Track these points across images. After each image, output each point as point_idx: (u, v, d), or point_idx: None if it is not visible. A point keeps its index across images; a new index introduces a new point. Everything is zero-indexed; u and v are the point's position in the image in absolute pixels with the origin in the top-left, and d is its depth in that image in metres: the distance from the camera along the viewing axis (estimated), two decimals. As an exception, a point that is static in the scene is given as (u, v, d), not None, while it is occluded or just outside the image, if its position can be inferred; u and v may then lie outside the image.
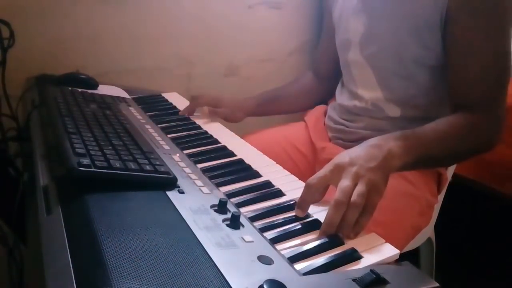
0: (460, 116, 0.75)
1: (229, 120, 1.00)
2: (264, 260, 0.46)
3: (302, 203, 0.57)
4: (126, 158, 0.61)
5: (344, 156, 0.61)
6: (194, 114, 0.98)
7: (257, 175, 0.68)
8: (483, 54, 0.74)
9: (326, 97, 1.10)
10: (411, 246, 0.87)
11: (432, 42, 0.78)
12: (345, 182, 0.56)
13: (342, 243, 0.52)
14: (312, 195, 0.58)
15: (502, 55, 0.75)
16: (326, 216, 0.54)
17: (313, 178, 0.59)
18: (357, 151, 0.61)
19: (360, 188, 0.55)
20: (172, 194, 0.57)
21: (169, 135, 0.82)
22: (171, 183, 0.60)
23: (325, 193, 0.61)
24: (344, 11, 0.93)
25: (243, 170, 0.70)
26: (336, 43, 0.97)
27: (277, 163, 0.74)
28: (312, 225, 0.55)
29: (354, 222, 0.54)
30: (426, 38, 0.78)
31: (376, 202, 0.56)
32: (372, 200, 0.56)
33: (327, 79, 1.08)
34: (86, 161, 0.56)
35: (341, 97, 0.97)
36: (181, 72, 1.31)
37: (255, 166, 0.71)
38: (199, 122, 0.92)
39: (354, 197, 0.55)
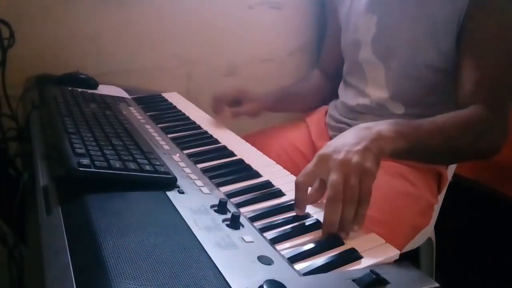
0: (465, 110, 0.72)
1: (252, 116, 0.99)
2: (264, 260, 0.46)
3: (297, 202, 0.57)
4: (126, 158, 0.61)
5: (328, 146, 0.58)
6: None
7: (257, 175, 0.68)
8: (497, 54, 0.73)
9: (335, 95, 1.10)
10: (411, 246, 0.87)
11: (446, 45, 0.77)
12: (333, 176, 0.54)
13: (342, 243, 0.52)
14: (304, 192, 0.57)
15: None
16: (324, 216, 0.53)
17: (300, 176, 0.58)
18: (343, 137, 0.59)
19: (351, 180, 0.53)
20: (172, 194, 0.57)
21: (169, 135, 0.82)
22: (171, 183, 0.60)
23: (324, 191, 0.59)
24: (352, 11, 0.92)
25: (243, 170, 0.70)
26: (342, 43, 0.96)
27: (277, 163, 0.74)
28: (312, 225, 0.55)
29: (352, 217, 0.53)
30: (442, 40, 0.77)
31: (370, 186, 0.54)
32: (365, 186, 0.53)
33: (335, 77, 1.08)
34: (86, 161, 0.56)
35: (345, 96, 0.97)
36: (181, 72, 1.31)
37: (255, 166, 0.71)
38: (199, 122, 0.92)
39: (346, 192, 0.53)
